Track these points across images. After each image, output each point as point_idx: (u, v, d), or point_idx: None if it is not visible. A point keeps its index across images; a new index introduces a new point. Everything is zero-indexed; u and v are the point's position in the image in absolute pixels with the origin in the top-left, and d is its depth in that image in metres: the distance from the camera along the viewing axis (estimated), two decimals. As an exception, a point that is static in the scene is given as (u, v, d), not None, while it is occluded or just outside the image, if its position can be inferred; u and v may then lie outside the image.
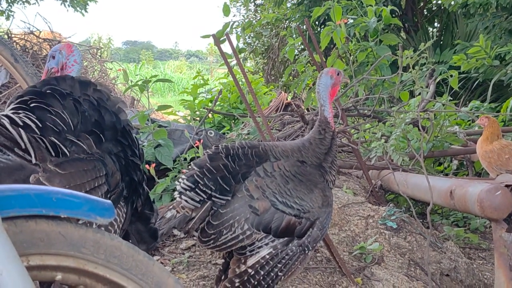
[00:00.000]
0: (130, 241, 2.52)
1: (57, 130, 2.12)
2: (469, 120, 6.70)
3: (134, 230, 2.58)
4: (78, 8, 16.66)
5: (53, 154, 2.07)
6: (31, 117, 2.09)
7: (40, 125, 2.08)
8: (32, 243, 1.36)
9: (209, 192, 2.73)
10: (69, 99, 2.22)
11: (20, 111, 2.11)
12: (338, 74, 3.07)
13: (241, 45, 13.16)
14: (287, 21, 13.98)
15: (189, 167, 2.89)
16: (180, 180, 2.81)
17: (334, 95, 3.15)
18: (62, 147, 2.09)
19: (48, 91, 2.20)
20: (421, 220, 4.91)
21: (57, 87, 2.24)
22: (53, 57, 2.87)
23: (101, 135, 2.26)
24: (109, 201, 1.49)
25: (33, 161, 2.02)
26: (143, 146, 4.96)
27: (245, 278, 2.69)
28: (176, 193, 2.81)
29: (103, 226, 1.86)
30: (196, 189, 2.73)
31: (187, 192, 2.74)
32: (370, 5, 6.20)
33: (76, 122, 2.18)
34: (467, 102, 7.83)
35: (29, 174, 2.00)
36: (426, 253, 3.82)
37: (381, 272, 3.73)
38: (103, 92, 2.42)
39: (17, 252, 1.27)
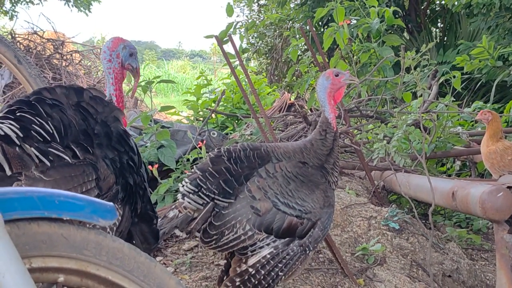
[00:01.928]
0: (134, 242, 2.53)
1: (42, 138, 2.13)
2: (472, 121, 6.70)
3: (138, 231, 2.59)
4: (81, 8, 16.71)
5: (37, 161, 2.09)
6: (14, 127, 2.10)
7: (23, 134, 2.10)
8: (35, 245, 1.37)
9: (212, 195, 2.74)
10: (57, 109, 2.23)
11: (5, 121, 2.13)
12: (337, 75, 3.05)
13: (244, 45, 13.18)
14: (290, 22, 13.98)
15: (192, 170, 2.90)
16: (183, 183, 2.82)
17: (339, 96, 3.13)
18: (46, 154, 2.10)
19: (34, 102, 2.22)
20: (424, 221, 4.91)
21: (45, 97, 2.26)
22: (131, 55, 2.87)
23: (92, 142, 2.27)
24: (111, 203, 1.50)
25: (8, 172, 2.04)
26: (146, 146, 4.97)
27: (246, 277, 2.70)
28: (179, 195, 2.82)
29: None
30: (199, 193, 2.75)
31: (190, 195, 2.76)
32: (373, 6, 6.20)
33: (64, 131, 2.19)
34: (470, 103, 7.82)
35: (13, 183, 2.03)
36: (428, 254, 3.82)
37: (383, 273, 3.74)
38: (99, 100, 2.43)
39: (19, 254, 1.28)
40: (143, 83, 5.27)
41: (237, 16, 17.14)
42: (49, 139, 2.15)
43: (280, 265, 2.73)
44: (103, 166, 2.29)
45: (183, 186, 2.80)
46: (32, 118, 2.13)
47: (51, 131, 2.15)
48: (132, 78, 2.96)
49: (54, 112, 2.21)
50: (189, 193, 2.76)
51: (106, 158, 2.31)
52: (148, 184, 2.65)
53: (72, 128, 2.22)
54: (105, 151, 2.32)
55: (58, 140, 2.17)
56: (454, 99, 6.76)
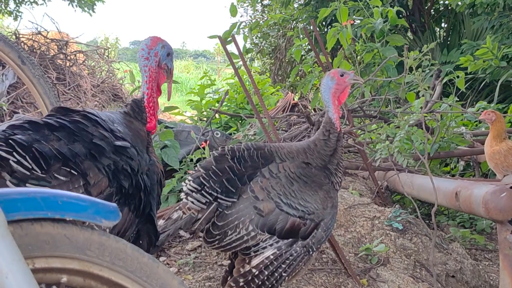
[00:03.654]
0: (141, 242, 2.54)
1: (21, 170, 2.15)
2: (476, 121, 6.69)
3: (145, 232, 2.60)
4: (85, 8, 16.71)
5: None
6: None
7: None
8: (38, 246, 1.37)
9: (215, 194, 2.74)
10: (41, 135, 2.25)
11: None
12: (342, 75, 3.04)
13: (248, 46, 13.18)
14: (294, 22, 13.97)
15: (195, 168, 2.90)
16: (186, 181, 2.82)
17: (344, 96, 3.13)
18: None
19: (21, 126, 2.24)
20: (427, 221, 4.91)
21: (29, 126, 2.27)
22: (168, 55, 2.87)
23: (81, 157, 2.27)
24: (114, 204, 1.50)
25: None
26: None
27: (249, 277, 2.70)
28: (182, 194, 2.82)
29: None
30: (202, 191, 2.75)
31: (193, 194, 2.76)
32: (377, 6, 6.20)
33: (45, 161, 2.18)
34: (474, 103, 7.80)
35: None
36: (431, 254, 3.82)
37: (387, 274, 3.74)
38: (88, 119, 2.44)
39: (22, 255, 1.28)
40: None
41: (241, 16, 17.17)
42: (28, 173, 2.15)
43: (283, 265, 2.73)
44: (94, 171, 2.29)
45: (186, 184, 2.81)
46: (8, 156, 2.13)
47: (30, 166, 2.15)
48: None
49: (37, 140, 2.21)
50: (192, 191, 2.77)
51: (99, 164, 2.32)
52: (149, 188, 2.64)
53: (58, 150, 2.22)
54: (100, 159, 2.33)
55: (38, 170, 2.17)
56: (458, 99, 6.73)
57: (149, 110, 2.74)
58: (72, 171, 2.21)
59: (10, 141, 2.13)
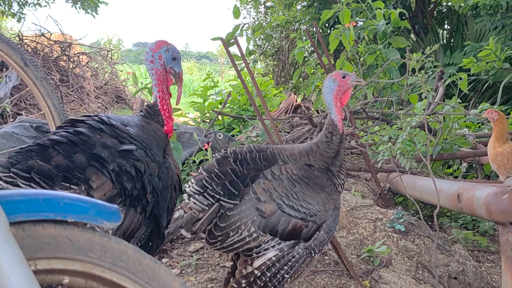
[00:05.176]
0: (151, 243, 2.56)
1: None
2: (479, 123, 6.67)
3: (156, 232, 2.62)
4: (88, 10, 16.75)
5: None
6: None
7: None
8: (40, 247, 1.37)
9: (218, 196, 2.75)
10: (45, 150, 2.29)
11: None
12: (344, 77, 3.04)
13: (251, 47, 13.18)
14: (297, 24, 13.96)
15: (198, 171, 2.91)
16: (189, 184, 2.83)
17: (346, 98, 3.12)
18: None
19: (28, 150, 2.30)
20: (430, 223, 4.91)
21: (34, 148, 2.32)
22: (174, 59, 2.88)
23: (81, 166, 2.30)
24: (115, 206, 1.51)
25: None
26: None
27: (252, 279, 2.70)
28: (185, 195, 2.83)
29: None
30: (205, 194, 2.76)
31: (196, 196, 2.77)
32: (379, 8, 6.20)
33: (49, 179, 2.22)
34: (477, 105, 7.77)
35: None
36: (433, 256, 3.82)
37: (389, 275, 3.74)
38: (92, 129, 2.47)
39: (24, 256, 1.29)
40: (149, 85, 5.28)
41: (244, 18, 17.14)
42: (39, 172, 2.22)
43: (285, 267, 2.73)
44: (97, 174, 2.31)
45: (189, 186, 2.81)
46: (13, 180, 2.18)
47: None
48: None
49: (38, 162, 2.25)
50: (195, 193, 2.77)
51: (103, 168, 2.34)
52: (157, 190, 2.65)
53: (56, 167, 2.25)
54: (101, 165, 2.35)
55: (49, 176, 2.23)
56: (461, 101, 6.72)
57: (165, 113, 2.79)
58: (72, 185, 2.24)
59: (11, 173, 2.19)
